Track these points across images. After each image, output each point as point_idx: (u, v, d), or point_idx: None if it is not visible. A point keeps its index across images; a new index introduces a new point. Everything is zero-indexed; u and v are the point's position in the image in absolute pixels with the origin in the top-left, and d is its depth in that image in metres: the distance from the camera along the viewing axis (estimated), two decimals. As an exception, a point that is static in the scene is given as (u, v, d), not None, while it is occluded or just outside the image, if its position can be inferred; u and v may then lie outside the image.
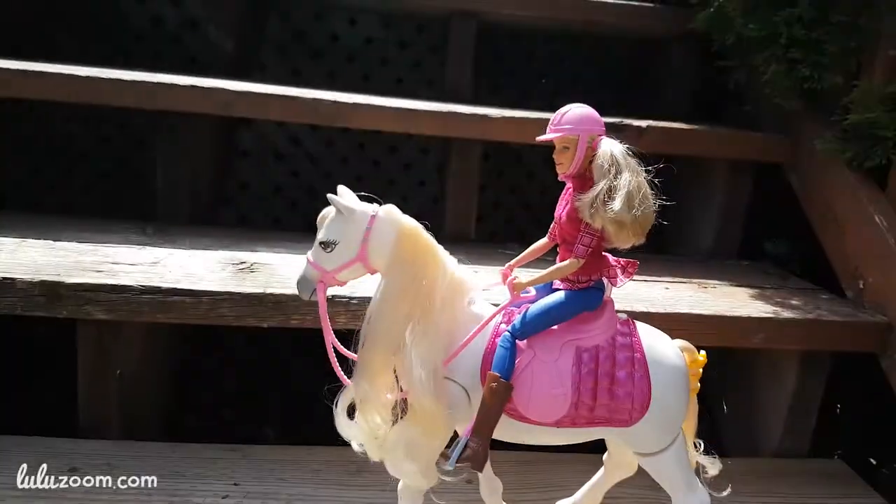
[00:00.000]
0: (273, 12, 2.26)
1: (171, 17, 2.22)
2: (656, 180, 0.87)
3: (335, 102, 1.59)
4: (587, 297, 0.90)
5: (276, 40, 2.29)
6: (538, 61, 2.42)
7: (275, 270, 1.33)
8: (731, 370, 1.63)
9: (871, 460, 1.62)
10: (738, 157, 1.79)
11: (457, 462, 0.87)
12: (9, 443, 1.21)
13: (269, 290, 1.21)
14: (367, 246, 0.87)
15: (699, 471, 0.99)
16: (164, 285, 1.19)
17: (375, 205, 0.89)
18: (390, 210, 0.89)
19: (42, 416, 1.33)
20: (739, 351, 1.54)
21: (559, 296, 0.90)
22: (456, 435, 0.92)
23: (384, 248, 0.87)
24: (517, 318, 0.90)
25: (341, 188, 0.90)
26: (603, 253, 0.91)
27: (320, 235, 0.88)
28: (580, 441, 0.94)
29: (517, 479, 1.24)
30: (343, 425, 0.90)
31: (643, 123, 1.69)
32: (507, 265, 0.95)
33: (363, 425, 0.89)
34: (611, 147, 0.85)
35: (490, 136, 1.65)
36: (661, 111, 1.93)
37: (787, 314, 1.38)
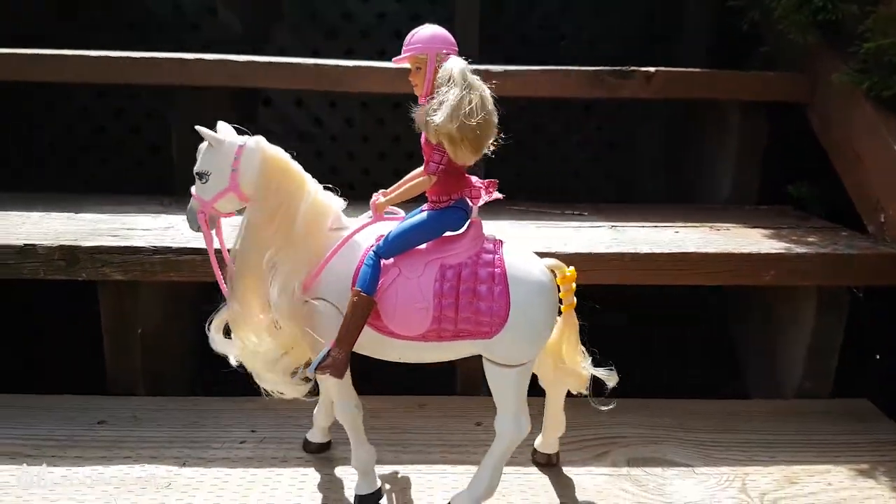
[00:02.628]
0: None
1: (189, 4, 2.30)
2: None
3: (337, 67, 1.62)
4: (448, 216, 0.93)
5: (291, 22, 2.34)
6: (544, 16, 2.40)
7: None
8: (753, 312, 1.60)
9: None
10: (754, 99, 1.75)
11: (316, 369, 0.92)
12: (46, 401, 1.30)
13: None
14: (236, 175, 0.91)
15: (598, 384, 1.03)
16: (175, 245, 1.24)
17: (246, 136, 0.93)
18: (258, 139, 0.94)
19: (75, 376, 1.41)
20: (759, 291, 1.51)
21: (421, 216, 0.94)
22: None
23: (252, 176, 0.91)
24: (382, 239, 0.93)
25: (221, 124, 0.94)
26: (465, 174, 0.94)
27: (196, 167, 0.93)
28: (450, 357, 0.97)
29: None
30: (217, 342, 0.96)
31: (651, 69, 1.67)
32: (380, 191, 0.97)
33: (237, 343, 0.95)
34: (453, 64, 0.88)
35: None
36: (676, 64, 1.89)
37: (800, 250, 1.35)
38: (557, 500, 1.08)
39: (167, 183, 1.72)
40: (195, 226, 0.95)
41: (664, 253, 1.31)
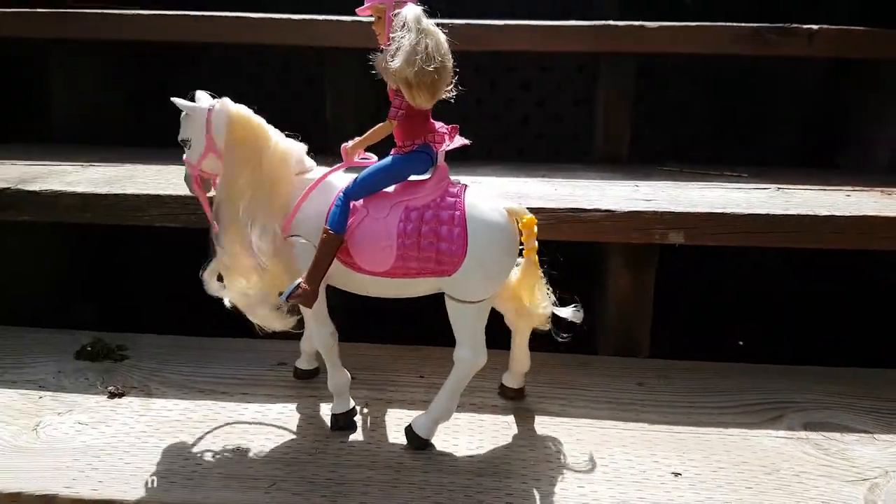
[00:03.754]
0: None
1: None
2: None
3: (482, 25, 1.60)
4: (412, 160, 0.98)
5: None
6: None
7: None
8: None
9: None
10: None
11: (287, 298, 0.98)
12: (222, 343, 1.38)
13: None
14: (210, 136, 1.00)
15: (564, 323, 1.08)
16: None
17: (215, 100, 1.01)
18: (223, 101, 1.01)
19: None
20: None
21: (387, 160, 1.00)
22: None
23: (221, 134, 1.00)
24: (352, 181, 0.99)
25: (199, 92, 1.02)
26: (430, 120, 0.98)
27: (179, 136, 1.03)
28: (414, 294, 1.03)
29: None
30: (212, 287, 1.06)
31: (814, 26, 1.59)
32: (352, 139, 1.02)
33: (230, 287, 1.04)
34: (407, 12, 0.91)
35: (645, 49, 1.62)
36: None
37: None
38: (738, 458, 1.07)
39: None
40: (192, 189, 1.06)
41: (843, 216, 1.26)
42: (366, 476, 1.00)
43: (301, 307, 1.03)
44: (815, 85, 2.08)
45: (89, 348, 1.32)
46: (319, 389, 1.23)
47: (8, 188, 1.34)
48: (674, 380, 1.29)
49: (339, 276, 1.03)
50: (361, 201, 1.00)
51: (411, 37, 0.89)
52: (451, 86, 0.94)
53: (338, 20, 1.64)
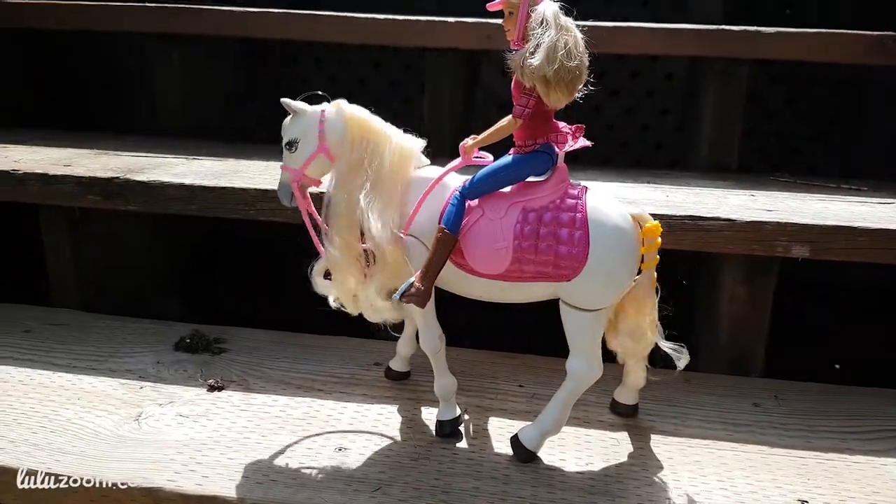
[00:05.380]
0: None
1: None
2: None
3: (606, 27, 1.56)
4: (533, 160, 0.94)
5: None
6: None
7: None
8: None
9: None
10: None
11: (400, 297, 0.96)
12: (323, 341, 1.37)
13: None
14: (324, 136, 0.98)
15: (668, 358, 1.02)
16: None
17: (324, 102, 1.01)
18: (338, 102, 1.01)
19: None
20: None
21: (506, 159, 0.96)
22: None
23: (337, 135, 0.98)
24: (468, 181, 0.95)
25: (295, 102, 1.01)
26: (553, 119, 0.94)
27: (285, 138, 1.00)
28: (529, 299, 0.99)
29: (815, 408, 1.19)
30: (320, 285, 1.05)
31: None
32: (470, 137, 0.98)
33: (338, 285, 1.04)
34: (545, 7, 0.87)
35: (761, 55, 1.54)
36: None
37: None
38: (869, 488, 0.99)
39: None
40: (288, 198, 1.02)
41: None
42: (472, 486, 0.96)
43: (411, 308, 0.99)
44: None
45: (188, 340, 1.32)
46: (418, 392, 1.20)
47: (117, 177, 1.36)
48: (789, 401, 1.21)
49: (451, 277, 0.99)
50: (477, 201, 0.96)
51: (552, 33, 0.86)
52: (586, 85, 0.90)
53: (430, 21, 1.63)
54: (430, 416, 1.12)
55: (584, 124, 0.96)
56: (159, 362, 1.27)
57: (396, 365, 1.23)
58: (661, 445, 1.08)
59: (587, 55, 0.88)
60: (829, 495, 0.97)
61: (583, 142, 0.96)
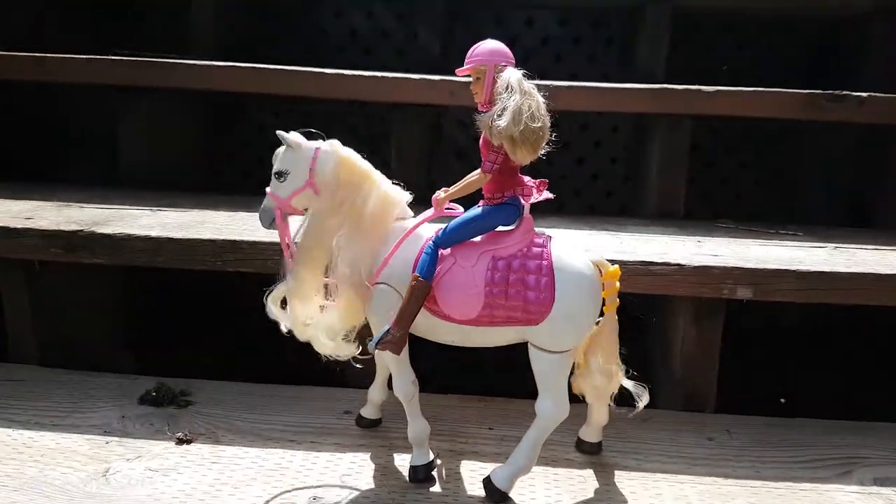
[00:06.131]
0: (457, 22, 2.40)
1: (364, 28, 2.42)
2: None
3: (556, 86, 1.65)
4: (502, 211, 1.01)
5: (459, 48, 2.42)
6: (719, 49, 2.40)
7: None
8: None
9: None
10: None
11: (377, 345, 1.00)
12: (292, 391, 1.38)
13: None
14: (313, 173, 1.02)
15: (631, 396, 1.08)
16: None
17: (319, 140, 1.05)
18: (333, 142, 1.05)
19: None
20: None
21: (477, 210, 1.02)
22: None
23: (327, 173, 1.02)
24: (441, 230, 1.02)
25: (292, 133, 1.04)
26: (519, 174, 1.01)
27: (275, 168, 1.04)
28: (499, 343, 1.04)
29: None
30: (273, 312, 1.07)
31: (863, 94, 1.64)
32: (441, 190, 1.05)
33: (291, 313, 1.06)
34: (509, 74, 0.95)
35: (701, 111, 1.66)
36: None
37: None
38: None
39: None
40: (268, 221, 1.05)
41: (908, 274, 1.27)
42: (447, 529, 0.98)
43: (385, 355, 1.03)
44: (846, 150, 2.13)
45: (154, 393, 1.31)
46: (390, 438, 1.21)
47: (81, 230, 1.36)
48: (740, 435, 1.28)
49: (424, 323, 1.03)
50: (449, 250, 1.02)
51: (517, 98, 0.93)
52: (549, 144, 0.97)
53: (405, 77, 1.70)
54: (402, 462, 1.14)
55: (546, 179, 1.04)
56: (124, 416, 1.26)
57: (368, 412, 1.25)
58: (624, 481, 1.12)
59: (548, 117, 0.96)
60: (780, 522, 1.04)
61: (546, 194, 1.04)
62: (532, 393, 1.04)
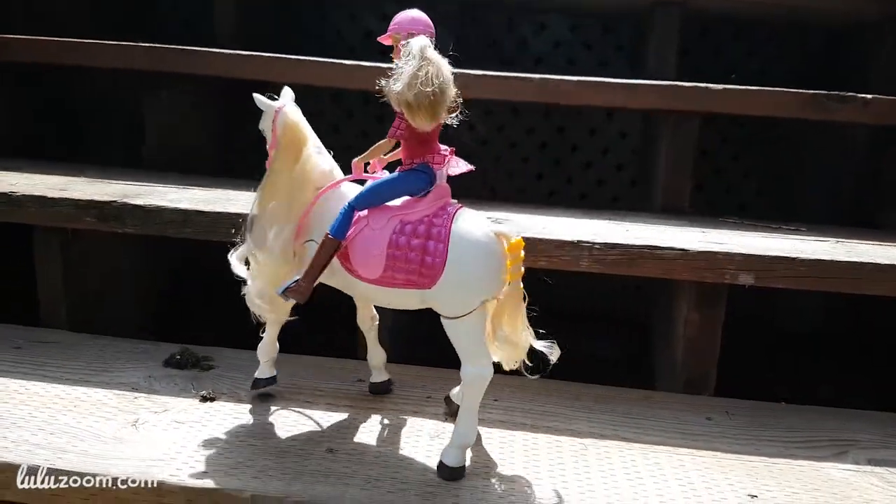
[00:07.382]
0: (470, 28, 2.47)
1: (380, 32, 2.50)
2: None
3: (572, 81, 1.71)
4: (410, 177, 1.05)
5: (472, 51, 2.50)
6: (726, 55, 2.47)
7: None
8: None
9: None
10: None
11: (283, 292, 1.07)
12: (304, 361, 1.44)
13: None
14: (275, 134, 1.10)
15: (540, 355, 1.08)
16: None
17: (288, 101, 1.11)
18: (290, 104, 1.11)
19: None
20: None
21: (390, 175, 1.08)
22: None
23: (278, 135, 1.09)
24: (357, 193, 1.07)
25: (286, 89, 1.12)
26: (432, 142, 1.05)
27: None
28: (405, 306, 1.09)
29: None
30: (238, 271, 1.14)
31: (867, 95, 1.70)
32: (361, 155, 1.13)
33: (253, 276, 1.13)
34: (414, 41, 0.99)
35: (710, 108, 1.72)
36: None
37: None
38: (810, 485, 1.11)
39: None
40: None
41: (905, 265, 1.32)
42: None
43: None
44: (854, 150, 2.17)
45: (178, 357, 1.38)
46: (398, 403, 1.28)
47: (114, 201, 1.44)
48: (739, 416, 1.33)
49: (343, 279, 1.11)
50: (366, 212, 1.07)
51: (413, 63, 0.96)
52: (455, 112, 1.01)
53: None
54: (414, 423, 1.20)
55: (454, 147, 1.07)
56: (150, 376, 1.32)
57: (376, 377, 1.31)
58: (624, 451, 1.17)
59: (449, 84, 0.98)
60: (775, 491, 1.08)
61: (466, 165, 1.08)
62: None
